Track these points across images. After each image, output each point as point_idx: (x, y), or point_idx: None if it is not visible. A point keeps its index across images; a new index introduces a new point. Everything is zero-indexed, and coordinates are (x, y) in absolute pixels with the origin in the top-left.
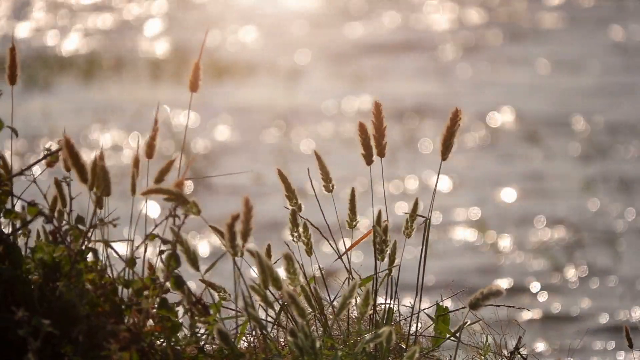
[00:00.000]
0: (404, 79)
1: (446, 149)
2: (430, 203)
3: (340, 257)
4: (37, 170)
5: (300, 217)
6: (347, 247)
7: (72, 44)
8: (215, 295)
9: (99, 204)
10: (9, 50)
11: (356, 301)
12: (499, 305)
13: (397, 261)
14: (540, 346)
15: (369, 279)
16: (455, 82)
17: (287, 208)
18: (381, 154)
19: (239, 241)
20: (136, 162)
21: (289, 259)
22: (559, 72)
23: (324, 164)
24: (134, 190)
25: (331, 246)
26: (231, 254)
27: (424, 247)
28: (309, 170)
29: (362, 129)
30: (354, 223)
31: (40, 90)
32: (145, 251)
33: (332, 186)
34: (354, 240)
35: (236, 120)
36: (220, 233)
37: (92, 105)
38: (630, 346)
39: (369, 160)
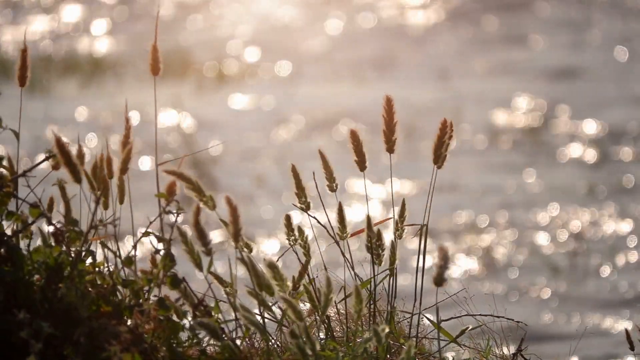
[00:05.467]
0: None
1: (437, 157)
2: (426, 208)
3: (335, 241)
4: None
5: (309, 215)
6: (349, 250)
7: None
8: (221, 290)
9: (99, 205)
10: (21, 51)
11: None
12: (499, 317)
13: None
14: (541, 348)
15: (367, 282)
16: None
17: (296, 206)
18: (390, 149)
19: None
20: (109, 161)
21: (272, 267)
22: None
23: (328, 164)
24: (121, 199)
25: (331, 236)
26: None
27: (422, 252)
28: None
29: (354, 136)
30: (345, 234)
31: (42, 91)
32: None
33: (336, 186)
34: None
35: None
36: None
37: (92, 106)
38: (632, 349)
39: (362, 167)
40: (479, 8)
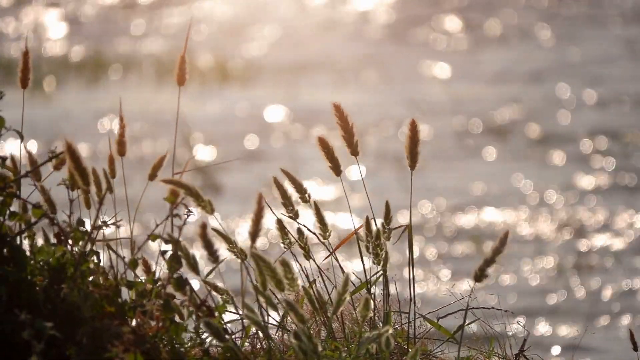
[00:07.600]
0: None
1: (414, 157)
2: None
3: (331, 253)
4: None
5: (298, 223)
6: (340, 252)
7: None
8: (218, 297)
9: (102, 205)
10: (22, 53)
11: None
12: (491, 308)
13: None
14: (544, 348)
15: (363, 285)
16: None
17: (284, 214)
18: (355, 152)
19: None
20: (111, 161)
21: (285, 265)
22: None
23: (294, 178)
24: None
25: (323, 243)
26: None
27: (410, 252)
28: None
29: (323, 143)
30: (327, 234)
31: (47, 92)
32: (134, 250)
33: (309, 196)
34: (351, 244)
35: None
36: (224, 237)
37: (98, 108)
38: (635, 349)
39: (337, 172)
40: (433, 11)
